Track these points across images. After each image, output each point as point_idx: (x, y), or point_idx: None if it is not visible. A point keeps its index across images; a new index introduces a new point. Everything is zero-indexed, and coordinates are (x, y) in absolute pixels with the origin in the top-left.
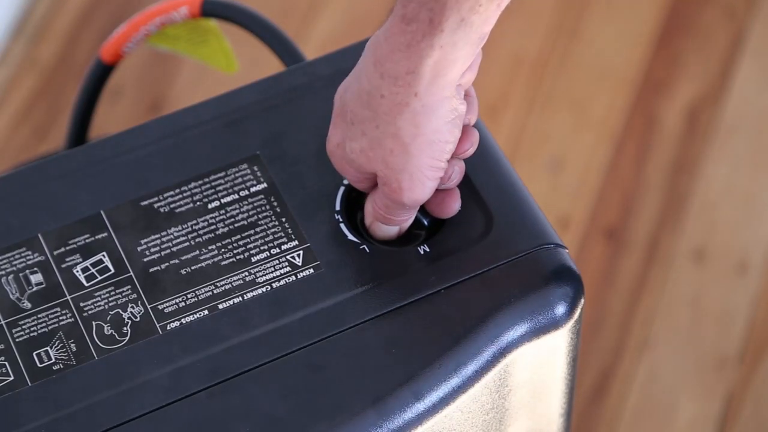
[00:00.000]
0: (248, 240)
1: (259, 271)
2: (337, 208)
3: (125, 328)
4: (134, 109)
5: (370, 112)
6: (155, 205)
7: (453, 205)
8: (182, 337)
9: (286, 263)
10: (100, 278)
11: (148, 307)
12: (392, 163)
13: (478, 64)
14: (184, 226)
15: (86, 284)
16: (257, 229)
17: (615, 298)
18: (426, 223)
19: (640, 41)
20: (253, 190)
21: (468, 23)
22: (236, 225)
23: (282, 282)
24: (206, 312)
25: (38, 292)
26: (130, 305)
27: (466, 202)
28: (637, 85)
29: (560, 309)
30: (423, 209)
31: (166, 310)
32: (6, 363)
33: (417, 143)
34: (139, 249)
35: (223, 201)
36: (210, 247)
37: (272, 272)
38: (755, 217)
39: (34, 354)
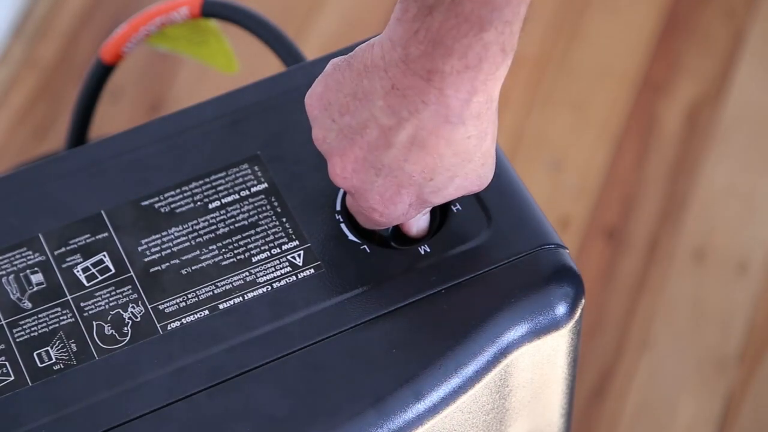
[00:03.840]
0: (249, 240)
1: (260, 271)
2: (338, 208)
3: (126, 328)
4: (134, 109)
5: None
6: (156, 205)
7: (411, 229)
8: (183, 337)
9: (287, 263)
10: (100, 278)
11: (149, 307)
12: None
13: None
14: (184, 226)
15: (87, 284)
16: (258, 229)
17: (615, 298)
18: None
19: (640, 41)
20: (253, 190)
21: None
22: (237, 225)
23: (282, 282)
24: (207, 312)
25: (39, 292)
26: (130, 305)
27: (467, 202)
28: (637, 85)
29: (561, 309)
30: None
31: (166, 310)
32: (6, 363)
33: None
34: (139, 249)
35: (223, 201)
36: (210, 247)
37: (273, 272)
38: (755, 217)
39: (34, 354)
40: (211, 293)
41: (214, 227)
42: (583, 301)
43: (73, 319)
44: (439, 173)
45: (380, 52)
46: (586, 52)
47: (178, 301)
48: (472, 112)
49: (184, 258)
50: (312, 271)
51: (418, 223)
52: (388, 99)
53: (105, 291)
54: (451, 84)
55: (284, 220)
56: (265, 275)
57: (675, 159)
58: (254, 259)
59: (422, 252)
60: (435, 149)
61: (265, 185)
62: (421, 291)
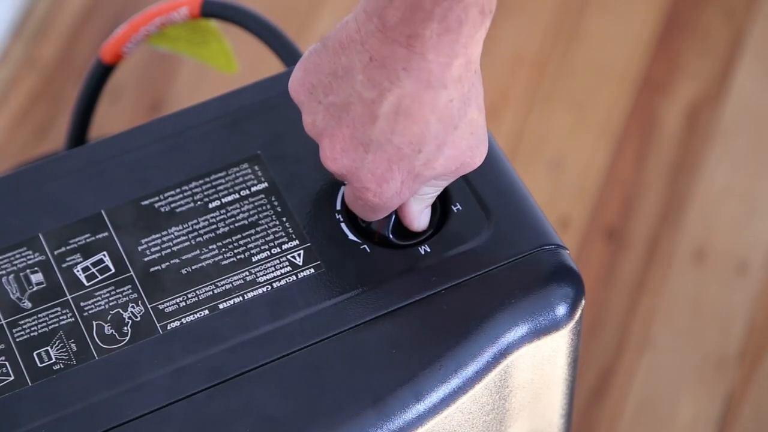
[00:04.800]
0: (249, 240)
1: (260, 270)
2: (338, 207)
3: (126, 328)
4: (134, 109)
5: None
6: (156, 205)
7: (412, 223)
8: (183, 336)
9: (287, 263)
10: (100, 278)
11: (149, 306)
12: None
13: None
14: (184, 226)
15: (87, 284)
16: (258, 229)
17: (615, 298)
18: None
19: (640, 41)
20: (253, 189)
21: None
22: (237, 224)
23: (282, 282)
24: (207, 312)
25: (39, 291)
26: (130, 305)
27: (467, 202)
28: (637, 85)
29: (561, 310)
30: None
31: (166, 310)
32: (6, 363)
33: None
34: (139, 248)
35: (223, 200)
36: (210, 247)
37: (273, 272)
38: (755, 217)
39: (34, 354)
40: (211, 293)
41: (214, 227)
42: (583, 301)
43: (73, 319)
44: (427, 143)
45: (355, 26)
46: (586, 52)
47: (178, 300)
48: (453, 75)
49: (184, 257)
50: (312, 270)
51: (420, 219)
52: (368, 72)
53: (105, 291)
54: (432, 48)
55: (284, 219)
56: (265, 275)
57: (675, 159)
58: (254, 259)
59: (422, 252)
60: (420, 116)
61: (266, 185)
62: (421, 291)
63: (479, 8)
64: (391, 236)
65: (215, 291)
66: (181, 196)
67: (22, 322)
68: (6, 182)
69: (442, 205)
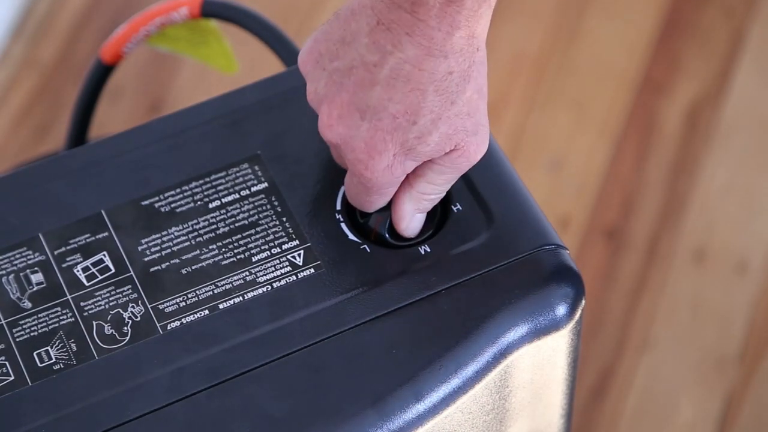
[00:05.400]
0: (249, 239)
1: (260, 270)
2: (338, 207)
3: (126, 328)
4: (134, 109)
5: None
6: (156, 205)
7: (400, 222)
8: (183, 336)
9: (287, 263)
10: (100, 278)
11: (149, 306)
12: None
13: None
14: (184, 226)
15: (87, 284)
16: (258, 229)
17: (615, 298)
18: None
19: (640, 41)
20: (253, 189)
21: None
22: (237, 224)
23: (282, 282)
24: (207, 312)
25: (39, 291)
26: (130, 305)
27: (467, 202)
28: (637, 85)
29: (561, 310)
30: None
31: (166, 310)
32: (6, 363)
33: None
34: (139, 248)
35: (223, 200)
36: (210, 247)
37: (273, 272)
38: (755, 217)
39: (34, 354)
40: (211, 293)
41: (214, 227)
42: (583, 301)
43: (73, 319)
44: (422, 114)
45: None
46: (586, 52)
47: (178, 300)
48: (454, 46)
49: (184, 257)
50: (312, 270)
51: (410, 220)
52: (374, 35)
53: (105, 290)
54: (435, 16)
55: (284, 219)
56: (265, 275)
57: (675, 159)
58: (254, 259)
59: (422, 252)
60: (418, 83)
61: (266, 185)
62: (421, 291)
63: None
64: (387, 235)
65: (215, 291)
66: (181, 196)
67: (22, 322)
68: (6, 182)
69: (442, 205)
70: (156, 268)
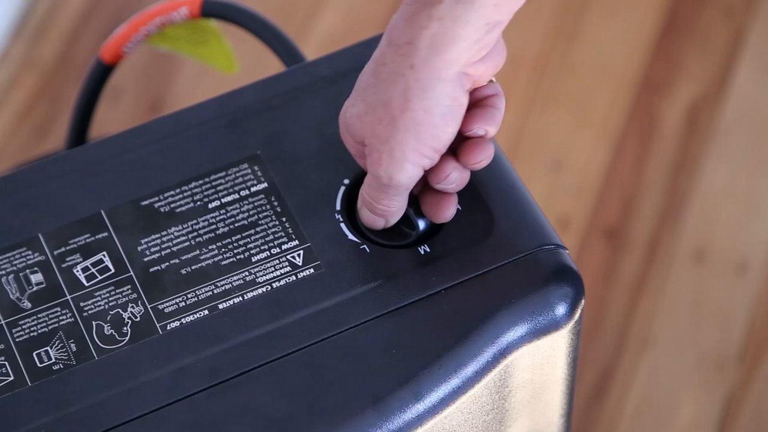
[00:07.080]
0: (248, 240)
1: (260, 270)
2: (338, 207)
3: (125, 328)
4: (134, 109)
5: (373, 79)
6: (155, 205)
7: (446, 211)
8: (182, 337)
9: (287, 263)
10: (100, 278)
11: (148, 306)
12: (378, 132)
13: (496, 62)
14: (184, 226)
15: (86, 284)
16: (257, 229)
17: (615, 298)
18: (420, 224)
19: (640, 41)
20: (253, 189)
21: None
22: (236, 225)
23: (282, 282)
24: (206, 312)
25: (38, 291)
26: (130, 305)
27: (467, 202)
28: (637, 85)
29: (560, 310)
30: (418, 209)
31: (166, 310)
32: (6, 363)
33: (404, 118)
34: (139, 249)
35: (223, 201)
36: (210, 247)
37: (272, 272)
38: (755, 217)
39: (34, 354)
40: (210, 293)
41: (213, 227)
42: (583, 301)
43: (73, 319)
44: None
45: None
46: (586, 52)
47: (177, 300)
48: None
49: (183, 258)
50: (312, 270)
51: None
52: (403, 22)
53: (104, 291)
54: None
55: (284, 219)
56: (265, 275)
57: (675, 159)
58: (254, 259)
59: (422, 252)
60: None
61: (265, 185)
62: (421, 291)
63: None
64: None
65: (215, 291)
66: (180, 196)
67: (22, 322)
68: (6, 182)
69: None
70: (156, 268)
